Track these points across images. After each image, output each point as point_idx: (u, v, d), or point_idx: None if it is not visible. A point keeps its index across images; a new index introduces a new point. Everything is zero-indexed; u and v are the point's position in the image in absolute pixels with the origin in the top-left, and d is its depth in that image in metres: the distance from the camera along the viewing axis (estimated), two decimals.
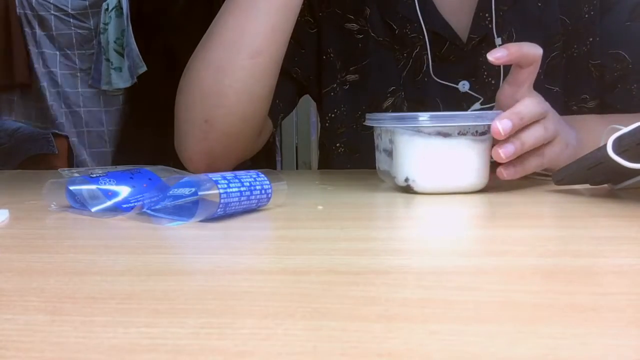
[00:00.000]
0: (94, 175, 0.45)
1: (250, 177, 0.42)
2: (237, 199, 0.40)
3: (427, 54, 0.75)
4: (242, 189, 0.41)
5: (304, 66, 0.81)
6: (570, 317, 0.21)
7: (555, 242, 0.35)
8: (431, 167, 0.52)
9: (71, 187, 0.45)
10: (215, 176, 0.40)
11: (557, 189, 0.54)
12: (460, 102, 0.75)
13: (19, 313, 0.22)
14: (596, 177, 0.52)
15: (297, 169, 2.59)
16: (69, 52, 2.34)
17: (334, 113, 0.81)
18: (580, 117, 0.71)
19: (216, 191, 0.39)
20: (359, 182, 0.64)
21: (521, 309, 0.22)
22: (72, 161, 2.28)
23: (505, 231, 0.38)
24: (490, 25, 0.72)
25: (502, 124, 0.50)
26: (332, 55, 0.80)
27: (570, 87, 0.76)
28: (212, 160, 0.68)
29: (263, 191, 0.43)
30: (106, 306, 0.23)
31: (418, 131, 0.51)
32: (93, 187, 0.44)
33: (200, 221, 0.39)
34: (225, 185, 0.39)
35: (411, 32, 0.75)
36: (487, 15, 0.73)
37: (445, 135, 0.51)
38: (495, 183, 0.54)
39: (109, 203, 0.44)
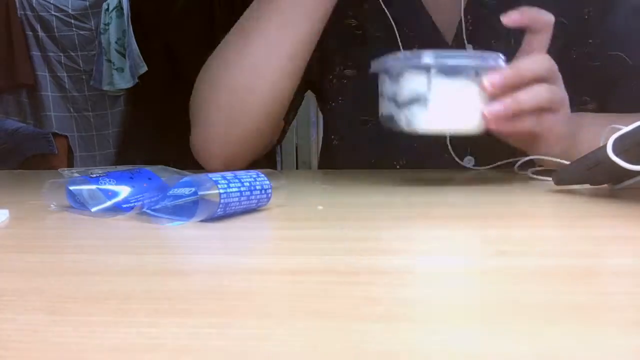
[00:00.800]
0: (94, 175, 0.45)
1: (250, 177, 0.42)
2: (237, 199, 0.40)
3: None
4: (242, 189, 0.41)
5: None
6: (570, 317, 0.21)
7: (555, 242, 0.35)
8: (432, 106, 0.51)
9: (71, 187, 0.45)
10: (215, 176, 0.40)
11: (557, 189, 0.54)
12: None
13: (19, 313, 0.22)
14: (596, 177, 0.52)
15: (297, 169, 2.59)
16: (72, 53, 2.34)
17: (331, 106, 0.82)
18: (575, 114, 0.71)
19: (216, 191, 0.39)
20: (359, 182, 0.64)
21: (521, 309, 0.22)
22: (72, 161, 2.29)
23: (505, 231, 0.38)
24: (471, 27, 0.73)
25: (490, 76, 0.49)
26: (330, 49, 0.81)
27: (570, 90, 0.76)
28: (230, 161, 0.69)
29: (263, 191, 0.43)
30: (106, 306, 0.23)
31: (422, 70, 0.51)
32: (93, 187, 0.44)
33: (200, 221, 0.39)
34: (225, 185, 0.39)
35: (409, 30, 0.76)
36: (469, 16, 0.73)
37: (448, 74, 0.51)
38: (491, 182, 0.54)
39: (109, 203, 0.44)
